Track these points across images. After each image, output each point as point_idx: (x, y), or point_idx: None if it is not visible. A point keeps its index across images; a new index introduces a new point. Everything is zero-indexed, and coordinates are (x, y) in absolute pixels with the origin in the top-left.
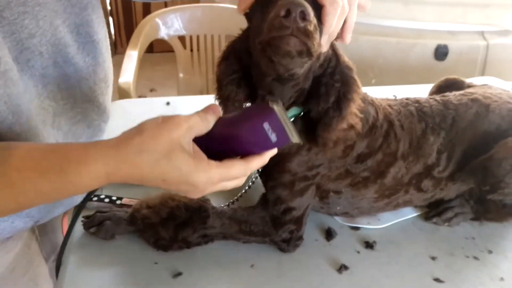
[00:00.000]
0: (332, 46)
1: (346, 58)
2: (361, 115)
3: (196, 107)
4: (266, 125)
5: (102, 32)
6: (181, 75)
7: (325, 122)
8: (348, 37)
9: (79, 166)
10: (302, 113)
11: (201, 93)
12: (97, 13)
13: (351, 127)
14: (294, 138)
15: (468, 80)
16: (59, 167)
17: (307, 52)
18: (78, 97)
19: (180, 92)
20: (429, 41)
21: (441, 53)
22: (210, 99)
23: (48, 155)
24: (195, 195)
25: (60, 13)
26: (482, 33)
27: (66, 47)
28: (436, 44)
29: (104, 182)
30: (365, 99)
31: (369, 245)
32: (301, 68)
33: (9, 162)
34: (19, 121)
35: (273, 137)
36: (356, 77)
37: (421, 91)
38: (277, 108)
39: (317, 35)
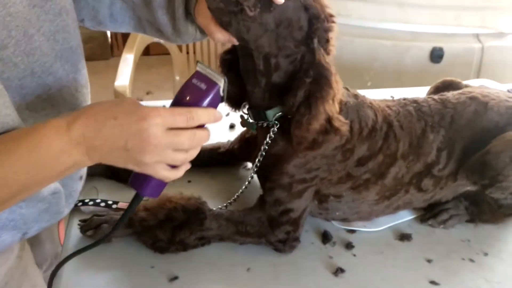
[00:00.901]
0: (310, 44)
1: (325, 59)
2: (346, 120)
3: None
4: (194, 80)
5: (78, 36)
6: (177, 77)
7: (296, 119)
8: None
9: (44, 123)
10: (282, 114)
11: None
12: (72, 17)
13: (332, 130)
14: (218, 79)
15: (464, 82)
16: (29, 129)
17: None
18: (60, 106)
19: None
20: (424, 43)
21: (436, 55)
22: None
23: (17, 130)
24: (146, 142)
25: (34, 21)
26: (477, 36)
27: (43, 56)
28: (431, 46)
29: (64, 133)
30: (364, 103)
31: (365, 248)
32: (231, 18)
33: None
34: (8, 131)
35: (202, 86)
36: (332, 78)
37: (417, 94)
38: (200, 66)
39: None
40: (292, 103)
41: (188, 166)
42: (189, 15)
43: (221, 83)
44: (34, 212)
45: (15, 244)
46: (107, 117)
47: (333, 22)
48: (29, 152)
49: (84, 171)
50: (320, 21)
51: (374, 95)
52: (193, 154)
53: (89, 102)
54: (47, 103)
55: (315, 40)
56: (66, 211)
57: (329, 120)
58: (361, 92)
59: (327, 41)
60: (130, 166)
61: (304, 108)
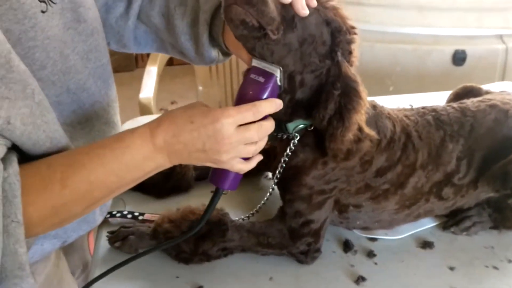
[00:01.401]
0: (334, 57)
1: (351, 70)
2: (372, 129)
3: None
4: (252, 75)
5: (107, 54)
6: (200, 87)
7: (330, 133)
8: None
9: (131, 131)
10: (311, 127)
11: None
12: (102, 37)
13: (364, 138)
14: (274, 70)
15: (486, 87)
16: (117, 137)
17: (255, 22)
18: (94, 120)
19: None
20: (446, 47)
21: (459, 58)
22: None
23: (107, 138)
24: (221, 142)
25: (69, 42)
26: (500, 37)
27: (78, 74)
28: (453, 49)
29: (149, 140)
30: (382, 113)
31: (387, 256)
32: (255, 43)
33: (79, 149)
34: (56, 145)
35: (261, 79)
36: (360, 89)
37: (440, 98)
38: (255, 60)
39: (267, 7)
40: (323, 116)
41: (260, 157)
42: (212, 40)
43: (277, 73)
44: (74, 223)
45: (53, 253)
46: (185, 122)
47: (355, 33)
48: (117, 159)
49: None
50: (343, 33)
51: (396, 100)
52: (262, 144)
53: (118, 115)
54: (82, 118)
55: (339, 53)
56: (100, 219)
57: (359, 129)
58: (383, 98)
59: (350, 53)
60: (208, 164)
61: (337, 121)
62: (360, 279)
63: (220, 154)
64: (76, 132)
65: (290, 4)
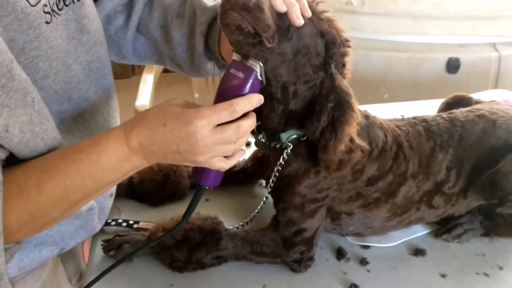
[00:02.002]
0: (328, 69)
1: (344, 82)
2: (364, 140)
3: None
4: (232, 70)
5: (109, 64)
6: (196, 95)
7: (323, 144)
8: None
9: (106, 134)
10: (304, 137)
11: None
12: (104, 47)
13: (355, 149)
14: (254, 65)
15: (479, 95)
16: (93, 140)
17: (250, 29)
18: (93, 128)
19: None
20: (440, 54)
21: (453, 66)
22: None
23: (82, 141)
24: (195, 145)
25: (72, 53)
26: (494, 45)
27: (79, 83)
28: (447, 57)
29: (124, 143)
30: (374, 123)
31: (379, 263)
32: (250, 50)
33: (54, 154)
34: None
35: (240, 74)
36: (353, 101)
37: (434, 106)
38: (236, 55)
39: (263, 14)
40: (316, 128)
41: (243, 152)
42: (207, 52)
43: (258, 68)
44: (71, 229)
45: (50, 260)
46: (157, 125)
47: (349, 46)
48: (93, 162)
49: (114, 189)
50: (337, 46)
51: (391, 108)
52: (243, 141)
53: (119, 123)
54: (82, 126)
55: (332, 66)
56: (99, 227)
57: (351, 139)
58: (378, 106)
59: (343, 65)
60: (187, 164)
61: (329, 132)
62: (353, 286)
63: (195, 156)
64: (76, 140)
65: (286, 14)
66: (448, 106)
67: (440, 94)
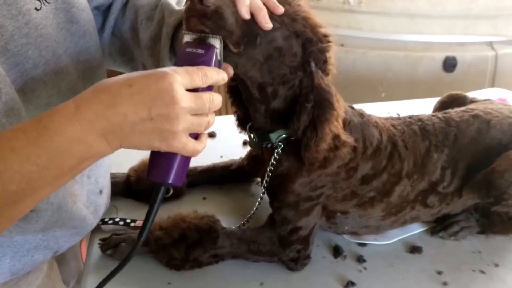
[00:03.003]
0: (307, 68)
1: (324, 81)
2: (349, 135)
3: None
4: (188, 49)
5: (100, 58)
6: None
7: (305, 143)
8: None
9: (52, 109)
10: (285, 136)
11: (220, 113)
12: (94, 40)
13: (341, 145)
14: (213, 41)
15: (472, 94)
16: (35, 117)
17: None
18: None
19: None
20: (437, 53)
21: (449, 65)
22: (225, 119)
23: (29, 121)
24: (171, 105)
25: (61, 42)
26: (490, 44)
27: (69, 75)
28: (444, 56)
29: (73, 117)
30: (369, 122)
31: (376, 261)
32: (230, 64)
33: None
34: None
35: (199, 50)
36: (333, 100)
37: (431, 105)
38: (188, 36)
39: (223, 21)
40: (297, 127)
41: (206, 137)
42: (173, 57)
43: (218, 44)
44: (67, 234)
45: (45, 263)
46: (121, 86)
47: (329, 41)
48: (32, 142)
49: (104, 185)
50: (314, 43)
51: (387, 107)
52: (213, 119)
53: None
54: None
55: (312, 64)
56: (94, 224)
57: (335, 137)
58: (375, 104)
59: (325, 61)
60: (156, 144)
61: (310, 131)
62: (349, 284)
63: (172, 122)
64: None
65: (253, 19)
66: (443, 105)
67: (437, 93)
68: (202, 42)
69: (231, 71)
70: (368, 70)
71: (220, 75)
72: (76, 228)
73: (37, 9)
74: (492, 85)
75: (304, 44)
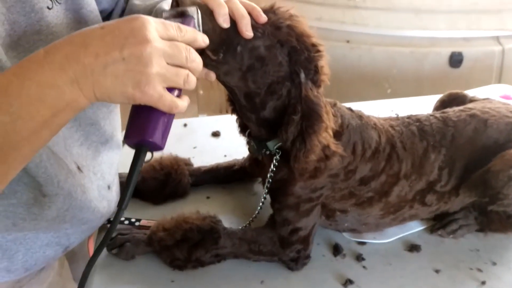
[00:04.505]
0: (295, 78)
1: (313, 92)
2: (339, 143)
3: (215, 128)
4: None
5: None
6: (200, 91)
7: (294, 154)
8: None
9: (23, 59)
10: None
11: (220, 111)
12: None
13: (331, 155)
14: (191, 11)
15: (475, 91)
16: (9, 69)
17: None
18: (82, 120)
19: (201, 109)
20: (443, 49)
21: (455, 60)
22: (229, 118)
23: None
24: (143, 43)
25: None
26: (497, 38)
27: None
28: (450, 51)
29: (43, 60)
30: (368, 124)
31: (375, 259)
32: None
33: None
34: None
35: (178, 21)
36: (322, 112)
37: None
38: (166, 12)
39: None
40: (286, 139)
41: (188, 100)
42: None
43: (195, 14)
44: (78, 231)
45: (55, 261)
46: (93, 29)
47: (318, 51)
48: (2, 91)
49: (111, 181)
50: (299, 53)
51: (392, 105)
52: (193, 76)
53: (108, 121)
54: (76, 122)
55: (302, 74)
56: (104, 218)
57: (325, 147)
58: (381, 101)
59: (316, 72)
60: (130, 90)
61: (299, 143)
62: (348, 282)
63: (144, 63)
64: (66, 131)
65: (234, 28)
66: (443, 103)
67: (443, 89)
68: (179, 15)
69: (213, 76)
70: (373, 66)
71: (197, 34)
72: (86, 223)
73: (49, 8)
74: (499, 80)
75: (290, 53)
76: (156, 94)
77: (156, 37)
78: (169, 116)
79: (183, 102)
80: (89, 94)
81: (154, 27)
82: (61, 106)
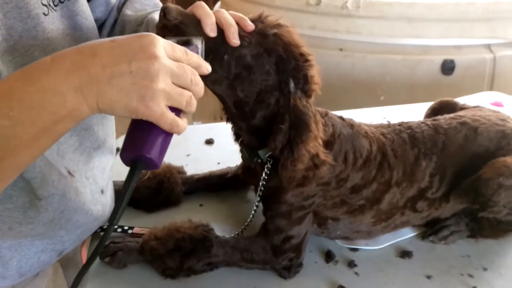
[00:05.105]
0: (284, 88)
1: (302, 101)
2: (328, 152)
3: (208, 136)
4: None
5: None
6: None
7: (282, 162)
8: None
9: (28, 65)
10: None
11: (215, 119)
12: None
13: (320, 164)
14: (195, 40)
15: (467, 98)
16: (14, 73)
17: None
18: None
19: (194, 117)
20: (435, 56)
21: (447, 68)
22: (223, 126)
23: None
24: (152, 59)
25: (66, 47)
26: (488, 46)
27: None
28: (442, 59)
29: (49, 67)
30: (359, 133)
31: (367, 266)
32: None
33: None
34: None
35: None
36: (310, 121)
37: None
38: (171, 38)
39: (185, 35)
40: (274, 147)
41: (186, 120)
42: None
43: (199, 43)
44: (73, 236)
45: (50, 267)
46: (102, 41)
47: (307, 60)
48: (4, 95)
49: (104, 186)
50: (286, 62)
51: (385, 112)
52: (194, 101)
53: (101, 127)
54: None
55: (291, 84)
56: (94, 225)
57: (314, 156)
58: (374, 109)
59: (306, 81)
60: (134, 104)
61: (287, 151)
62: None
63: (151, 78)
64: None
65: (222, 37)
66: (434, 111)
67: (436, 96)
68: (184, 44)
69: None
70: (367, 74)
71: (201, 61)
72: (80, 227)
73: (45, 14)
74: (491, 87)
75: (277, 62)
76: (159, 110)
77: (164, 55)
78: (168, 135)
79: (183, 123)
80: (92, 104)
81: (163, 45)
82: (63, 114)
